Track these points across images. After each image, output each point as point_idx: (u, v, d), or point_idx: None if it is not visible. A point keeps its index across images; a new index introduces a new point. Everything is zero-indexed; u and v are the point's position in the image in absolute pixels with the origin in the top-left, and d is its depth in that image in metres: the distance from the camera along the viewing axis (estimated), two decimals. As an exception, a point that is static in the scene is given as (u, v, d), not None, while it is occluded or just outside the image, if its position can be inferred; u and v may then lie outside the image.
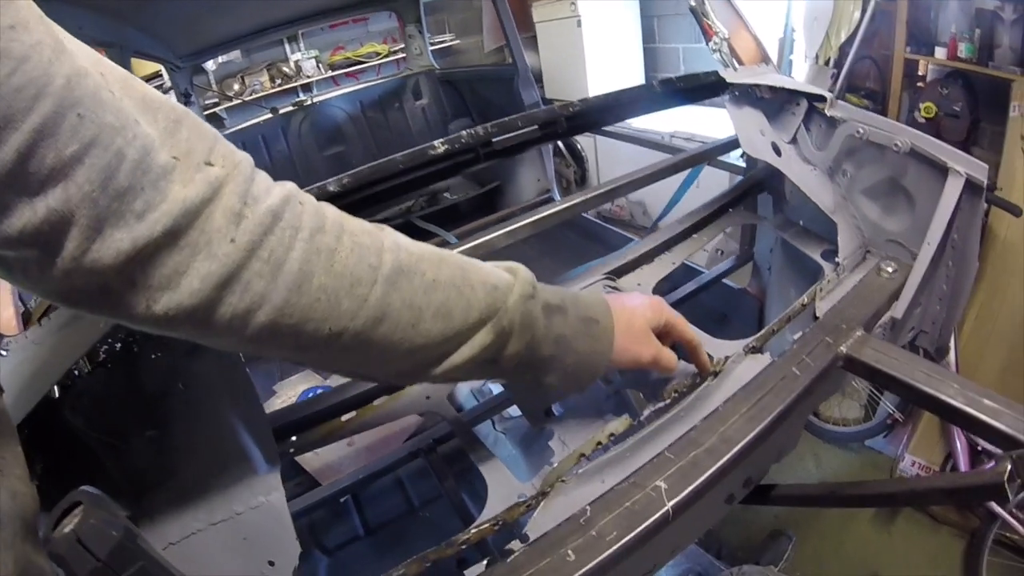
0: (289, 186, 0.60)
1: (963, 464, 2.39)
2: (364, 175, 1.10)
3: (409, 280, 0.64)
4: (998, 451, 0.90)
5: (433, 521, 2.03)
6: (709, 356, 1.06)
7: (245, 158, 0.58)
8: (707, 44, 1.55)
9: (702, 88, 1.47)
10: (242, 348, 0.61)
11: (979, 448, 2.39)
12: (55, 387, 0.83)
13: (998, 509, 2.16)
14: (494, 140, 1.20)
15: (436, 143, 1.15)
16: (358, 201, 1.10)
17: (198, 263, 0.52)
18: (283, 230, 0.56)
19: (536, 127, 1.26)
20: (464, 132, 1.18)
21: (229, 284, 0.53)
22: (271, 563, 0.88)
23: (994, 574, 2.14)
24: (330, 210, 0.63)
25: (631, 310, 0.88)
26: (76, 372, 0.86)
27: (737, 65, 1.54)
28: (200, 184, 0.52)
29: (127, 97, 0.51)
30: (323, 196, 1.05)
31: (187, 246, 0.51)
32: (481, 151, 1.19)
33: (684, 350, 0.99)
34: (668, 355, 0.91)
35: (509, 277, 0.74)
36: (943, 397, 0.96)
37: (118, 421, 0.89)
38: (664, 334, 0.93)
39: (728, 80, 1.47)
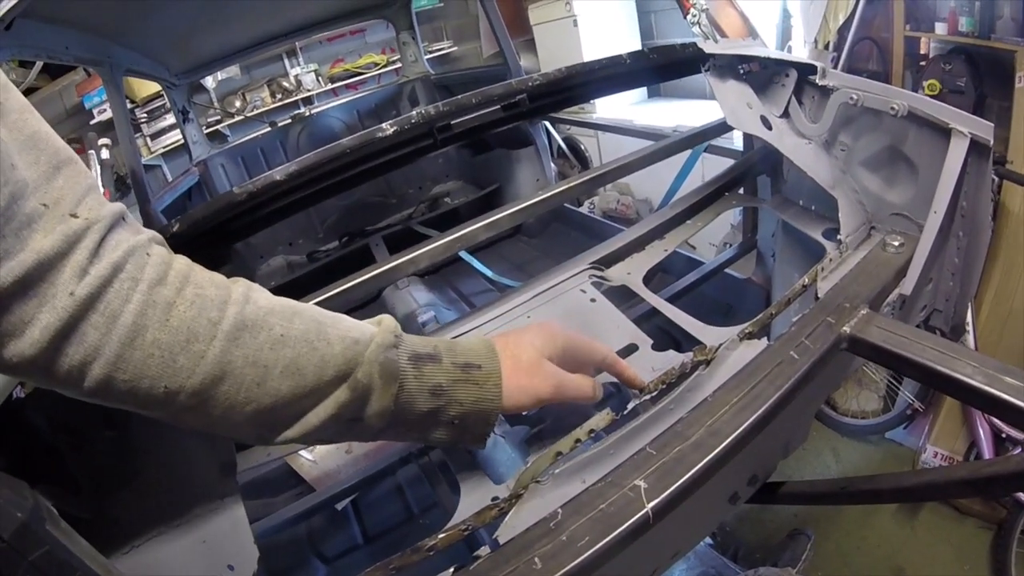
0: (143, 238, 0.60)
1: (987, 452, 2.31)
2: (310, 161, 1.04)
3: (254, 335, 0.62)
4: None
5: (432, 528, 1.97)
6: (701, 346, 0.99)
7: (110, 212, 0.58)
8: (685, 18, 1.47)
9: (680, 62, 1.40)
10: (90, 401, 0.59)
11: (1004, 435, 2.30)
12: (20, 387, 0.81)
13: (1026, 498, 2.07)
14: (453, 122, 1.13)
15: (384, 125, 1.09)
16: (315, 191, 1.04)
17: (42, 314, 0.52)
18: (122, 282, 0.56)
19: (496, 105, 1.19)
20: (414, 112, 1.12)
21: (67, 336, 0.54)
22: (231, 567, 0.82)
23: (1023, 565, 2.05)
24: (179, 262, 0.62)
25: (515, 344, 0.80)
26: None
27: (719, 38, 1.46)
28: (58, 236, 0.53)
29: (12, 135, 0.53)
30: (269, 185, 1.00)
31: (35, 296, 0.52)
32: (438, 135, 1.13)
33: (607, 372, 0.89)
34: (575, 383, 0.81)
35: (371, 330, 0.70)
36: (960, 376, 0.86)
37: (80, 421, 0.87)
38: (570, 359, 0.83)
39: (707, 51, 1.39)
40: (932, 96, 3.10)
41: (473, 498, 0.87)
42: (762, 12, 4.02)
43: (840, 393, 2.79)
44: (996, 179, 2.33)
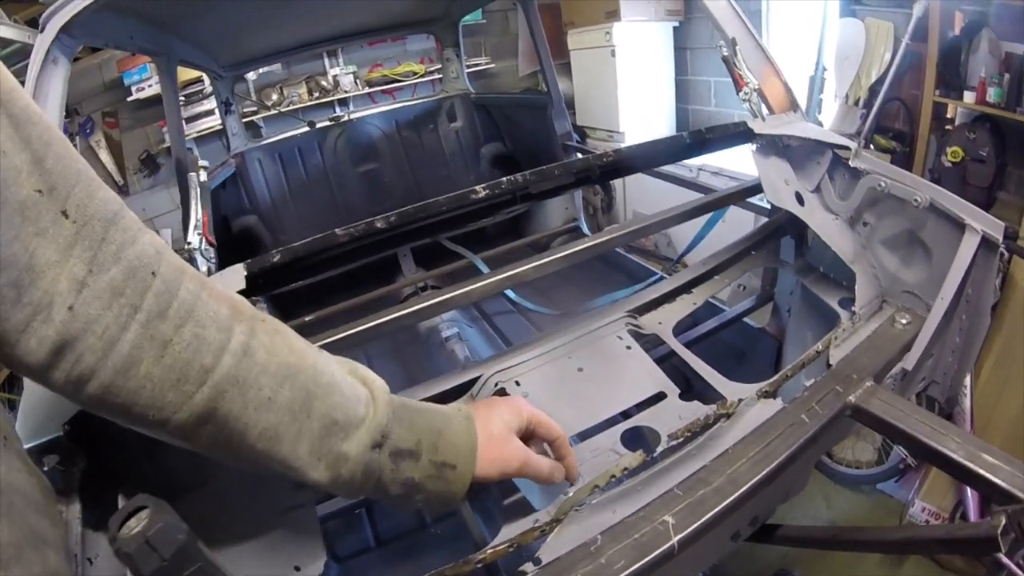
0: (147, 249, 0.60)
1: (973, 513, 2.38)
2: (409, 215, 1.16)
3: (241, 392, 0.63)
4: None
5: (443, 538, 2.07)
6: (723, 400, 1.11)
7: (100, 209, 0.57)
8: (738, 94, 1.59)
9: (731, 138, 1.53)
10: (82, 407, 0.61)
11: (992, 506, 2.37)
12: None
13: (1005, 559, 2.15)
14: (531, 187, 1.26)
15: (478, 188, 1.22)
16: (401, 235, 1.15)
17: (37, 325, 0.53)
18: (121, 307, 0.56)
19: (571, 177, 1.32)
20: (505, 179, 1.25)
21: (63, 351, 0.55)
22: (297, 568, 0.93)
23: (1000, 624, 2.13)
24: (185, 289, 0.61)
25: (488, 419, 0.84)
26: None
27: (766, 114, 1.58)
28: (50, 243, 0.53)
29: (3, 114, 0.52)
30: (371, 232, 1.11)
31: (30, 304, 0.52)
32: (518, 195, 1.25)
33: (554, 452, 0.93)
34: (537, 463, 0.86)
35: (361, 412, 0.72)
36: (944, 450, 0.99)
37: None
38: (529, 435, 0.89)
39: (756, 131, 1.52)
40: (954, 163, 3.20)
41: (515, 520, 0.98)
42: (797, 63, 4.10)
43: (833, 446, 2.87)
44: (1007, 253, 2.41)
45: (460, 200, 1.20)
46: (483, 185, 1.22)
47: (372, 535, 2.14)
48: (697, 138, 1.50)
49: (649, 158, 1.47)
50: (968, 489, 2.40)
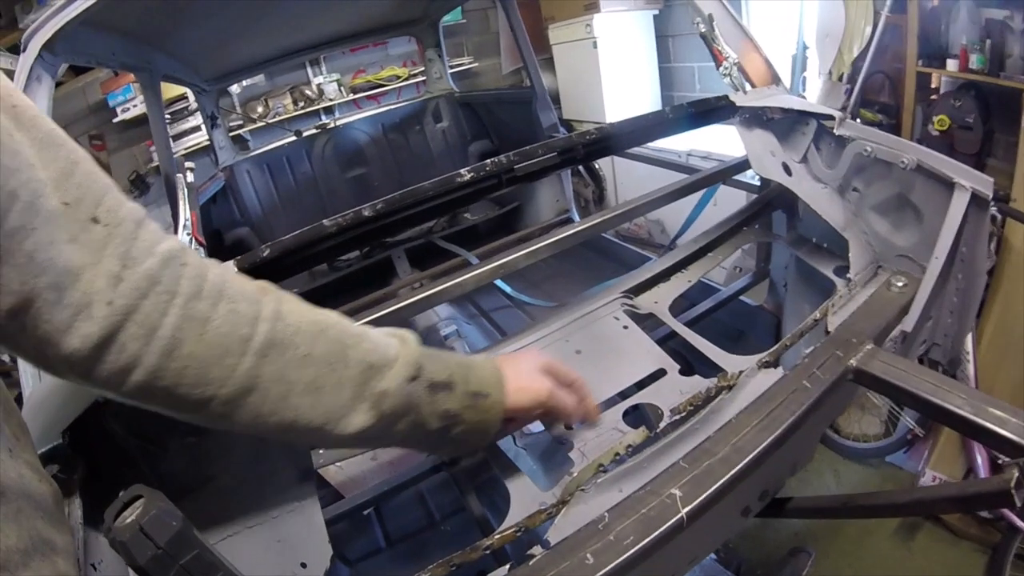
0: (174, 244, 0.63)
1: (983, 475, 2.38)
2: (397, 200, 1.16)
3: (281, 353, 0.66)
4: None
5: (453, 534, 2.06)
6: (724, 372, 1.11)
7: (130, 214, 0.61)
8: (718, 69, 1.59)
9: (713, 112, 1.52)
10: (124, 401, 0.63)
11: (1000, 461, 2.37)
12: (99, 396, 0.87)
13: (1020, 522, 2.15)
14: (516, 167, 1.26)
15: (463, 171, 1.22)
16: (393, 223, 1.15)
17: (79, 323, 0.56)
18: (159, 295, 0.59)
19: (555, 155, 1.31)
20: (488, 161, 1.24)
21: (107, 345, 0.57)
22: (303, 565, 0.92)
23: (1016, 588, 2.13)
24: (213, 272, 0.65)
25: (515, 359, 0.93)
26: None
27: (748, 87, 1.58)
28: (83, 247, 0.56)
29: (29, 136, 0.56)
30: (358, 220, 1.11)
31: (70, 305, 0.55)
32: (503, 177, 1.25)
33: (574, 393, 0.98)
34: (563, 393, 0.93)
35: (392, 353, 0.76)
36: (950, 407, 0.98)
37: (157, 428, 0.94)
38: (552, 376, 0.94)
39: (738, 103, 1.51)
40: (941, 131, 3.20)
41: (521, 503, 0.98)
42: (778, 42, 4.11)
43: (843, 417, 2.85)
44: (1000, 216, 2.41)
45: (446, 184, 1.20)
46: (468, 168, 1.21)
47: (382, 535, 2.13)
48: (679, 112, 1.49)
49: (633, 134, 1.47)
50: (977, 453, 2.40)
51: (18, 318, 0.55)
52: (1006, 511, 2.16)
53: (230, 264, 1.14)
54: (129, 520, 0.54)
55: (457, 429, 0.82)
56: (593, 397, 1.02)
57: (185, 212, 1.44)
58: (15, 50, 4.01)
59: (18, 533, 0.52)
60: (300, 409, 0.68)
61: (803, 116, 1.51)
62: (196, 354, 0.61)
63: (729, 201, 2.18)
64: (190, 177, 1.70)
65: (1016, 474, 0.86)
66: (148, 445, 0.94)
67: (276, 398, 0.66)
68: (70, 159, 0.58)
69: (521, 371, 0.90)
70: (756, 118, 1.53)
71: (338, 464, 2.20)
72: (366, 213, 1.12)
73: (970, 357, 2.41)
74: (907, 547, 2.40)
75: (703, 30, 1.59)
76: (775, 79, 1.64)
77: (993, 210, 1.25)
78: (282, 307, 0.69)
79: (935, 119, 3.23)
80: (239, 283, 0.67)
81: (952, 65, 3.18)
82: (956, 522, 2.39)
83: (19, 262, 0.53)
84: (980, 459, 2.40)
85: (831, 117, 1.45)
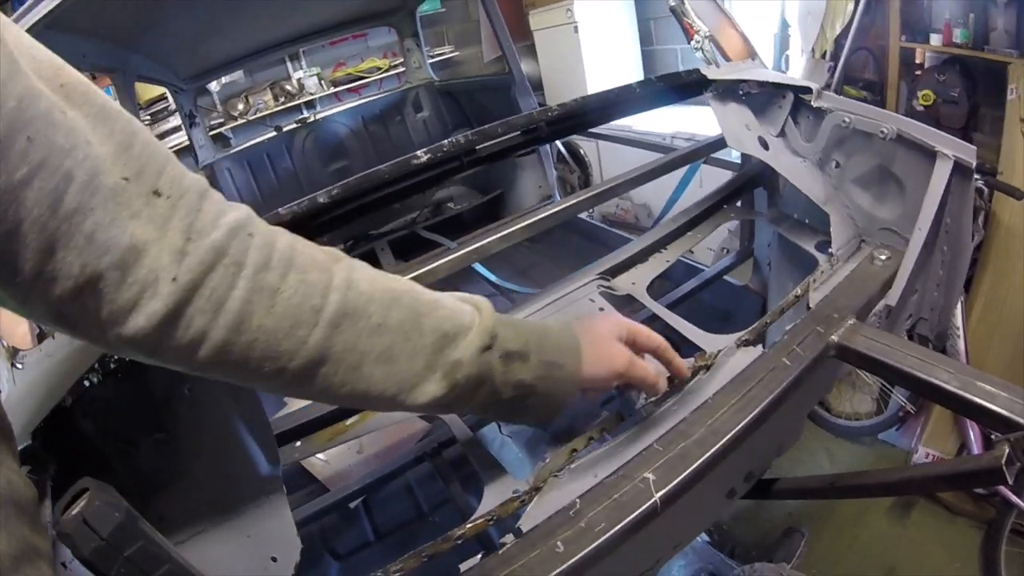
0: (241, 214, 0.61)
1: (976, 451, 2.37)
2: (352, 186, 1.12)
3: (353, 323, 0.64)
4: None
5: (442, 525, 2.03)
6: (701, 352, 1.07)
7: (193, 184, 0.59)
8: (689, 43, 1.55)
9: (684, 87, 1.48)
10: (193, 373, 0.62)
11: (993, 436, 2.35)
12: (68, 395, 0.86)
13: (1014, 498, 2.14)
14: (477, 148, 1.22)
15: (419, 152, 1.18)
16: (349, 212, 1.12)
17: (145, 301, 0.54)
18: (226, 267, 0.57)
19: (518, 133, 1.27)
20: (446, 141, 1.20)
21: (173, 321, 0.55)
22: (273, 559, 0.90)
23: (1012, 565, 2.11)
24: (282, 241, 0.63)
25: (592, 325, 0.87)
26: (87, 381, 0.89)
27: (723, 61, 1.54)
28: (147, 223, 0.54)
29: (82, 112, 0.53)
30: (313, 209, 1.08)
31: (135, 283, 0.53)
32: (464, 159, 1.21)
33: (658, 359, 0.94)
34: (643, 365, 0.88)
35: (467, 320, 0.73)
36: (936, 381, 0.96)
37: (127, 426, 0.93)
38: (630, 344, 0.89)
39: (710, 76, 1.48)
40: (926, 106, 3.17)
41: (495, 492, 0.95)
42: (760, 21, 4.08)
43: (834, 395, 2.85)
44: (987, 189, 2.39)
45: (402, 166, 1.16)
46: (425, 149, 1.18)
47: (371, 528, 2.12)
48: (649, 87, 1.45)
49: (600, 111, 1.42)
50: (970, 430, 2.39)
51: (80, 300, 0.53)
52: (1000, 488, 2.15)
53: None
54: (74, 512, 0.53)
55: (531, 399, 0.78)
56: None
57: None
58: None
59: (8, 540, 0.50)
60: (373, 379, 0.66)
61: (780, 89, 1.48)
62: (265, 327, 0.59)
63: (715, 181, 2.16)
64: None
65: (1007, 450, 0.83)
66: (119, 443, 0.93)
67: (348, 368, 0.65)
68: (127, 131, 0.55)
69: (597, 338, 0.85)
70: (731, 92, 1.49)
71: (323, 458, 2.18)
72: (321, 200, 1.08)
73: (960, 332, 2.39)
74: (903, 525, 2.40)
75: (672, 3, 1.55)
76: (751, 54, 1.61)
77: (980, 183, 1.22)
78: (354, 275, 0.66)
79: (920, 94, 3.21)
80: (309, 251, 0.65)
81: (936, 40, 3.15)
82: (951, 499, 2.39)
83: (78, 244, 0.51)
84: (973, 435, 2.39)
85: (808, 90, 1.42)
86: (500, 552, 0.81)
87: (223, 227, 0.58)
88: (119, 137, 0.54)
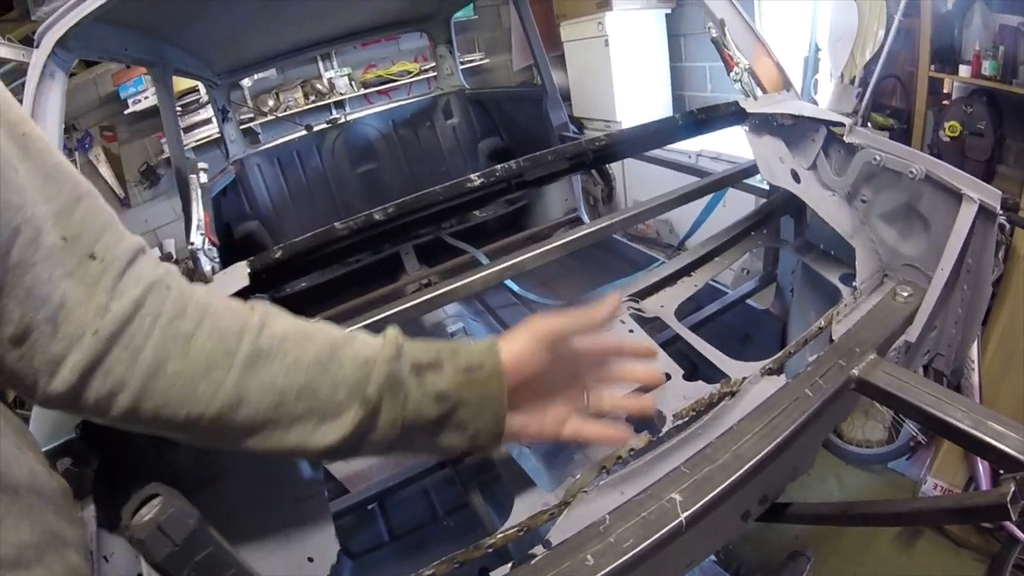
0: (160, 273, 0.64)
1: (984, 486, 2.38)
2: (408, 204, 1.17)
3: (268, 362, 0.65)
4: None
5: (456, 530, 2.08)
6: (727, 379, 1.12)
7: (126, 251, 0.62)
8: (729, 75, 1.59)
9: (723, 119, 1.52)
10: (115, 426, 0.63)
11: (1001, 472, 2.36)
12: None
13: (1018, 533, 2.15)
14: (525, 173, 1.27)
15: (473, 176, 1.23)
16: (401, 227, 1.16)
17: (71, 354, 0.57)
18: (142, 318, 0.60)
19: (565, 160, 1.32)
20: (499, 167, 1.25)
21: (93, 371, 0.58)
22: (310, 559, 0.94)
23: (1015, 599, 2.13)
24: (198, 294, 0.65)
25: (511, 333, 0.80)
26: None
27: (759, 92, 1.58)
28: (78, 281, 0.58)
29: (35, 166, 0.57)
30: (370, 224, 1.12)
31: (64, 338, 0.57)
32: (513, 182, 1.26)
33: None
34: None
35: (379, 341, 0.72)
36: (950, 420, 1.00)
37: None
38: (563, 351, 0.81)
39: (748, 110, 1.52)
40: (952, 137, 3.19)
41: (525, 504, 0.99)
42: (790, 44, 4.09)
43: (847, 422, 2.85)
44: (1008, 224, 2.39)
45: (456, 188, 1.21)
46: (478, 174, 1.23)
47: (386, 529, 2.15)
48: (690, 119, 1.50)
49: (642, 140, 1.47)
50: (979, 463, 2.40)
51: (20, 348, 0.56)
52: (1006, 522, 2.16)
53: (220, 275, 1.16)
54: (147, 518, 0.55)
55: (460, 411, 0.73)
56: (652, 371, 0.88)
57: (199, 213, 1.45)
58: (27, 42, 4.02)
59: (31, 528, 0.53)
60: (295, 414, 0.66)
61: (813, 123, 1.51)
62: (181, 371, 0.61)
63: (738, 203, 2.18)
64: (203, 178, 1.72)
65: (1012, 488, 0.87)
66: (159, 440, 0.95)
67: (269, 408, 0.65)
68: (73, 194, 0.59)
69: (514, 345, 0.78)
70: (766, 124, 1.53)
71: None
72: (377, 217, 1.13)
73: (974, 367, 2.40)
74: (908, 554, 2.41)
75: (715, 35, 1.60)
76: (786, 84, 1.64)
77: (1002, 219, 1.25)
78: (268, 319, 0.68)
79: (947, 125, 3.22)
80: (224, 302, 0.67)
81: (964, 71, 3.16)
82: (957, 531, 2.39)
83: (20, 296, 0.55)
84: (981, 469, 2.40)
85: (841, 124, 1.46)
86: (531, 563, 0.85)
87: (142, 284, 0.61)
88: (64, 199, 0.58)
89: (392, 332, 0.74)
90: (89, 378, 0.58)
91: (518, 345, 0.78)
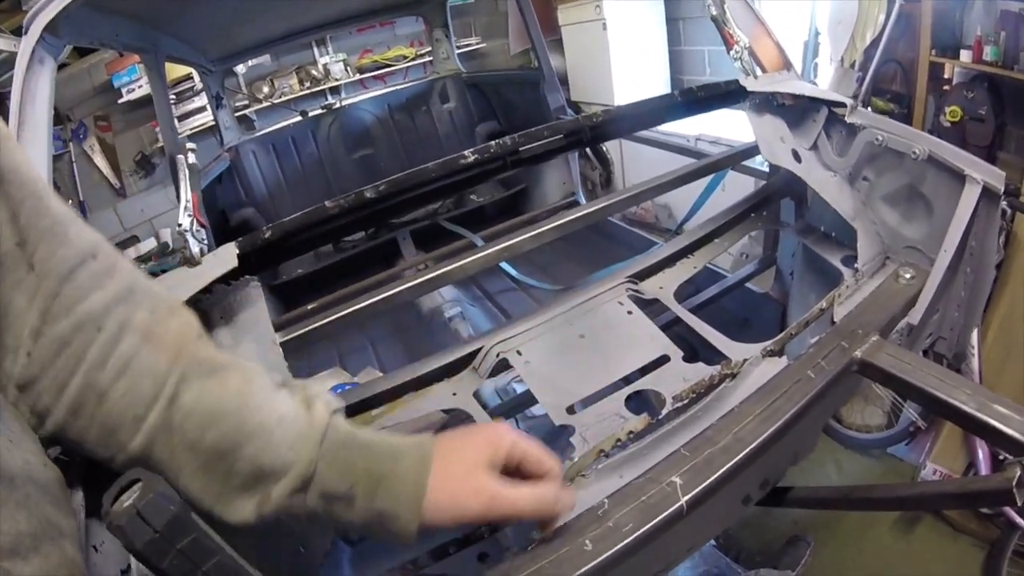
0: (94, 306, 0.63)
1: (984, 472, 2.37)
2: (400, 182, 1.15)
3: (168, 438, 0.64)
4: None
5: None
6: (727, 360, 1.10)
7: (58, 264, 0.61)
8: (728, 53, 1.57)
9: (723, 96, 1.50)
10: (47, 437, 0.64)
11: (1001, 457, 2.36)
12: None
13: (1018, 519, 2.15)
14: (520, 149, 1.25)
15: (466, 153, 1.20)
16: (395, 205, 1.14)
17: (8, 364, 0.59)
18: (67, 357, 0.61)
19: (561, 137, 1.30)
20: (493, 143, 1.23)
21: (27, 390, 0.60)
22: (301, 548, 0.93)
23: (1013, 585, 2.13)
24: (126, 342, 0.64)
25: (449, 451, 0.73)
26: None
27: (759, 72, 1.56)
28: (23, 293, 0.59)
29: None
30: (361, 203, 1.10)
31: (3, 346, 0.58)
32: (508, 159, 1.24)
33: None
34: (511, 500, 0.72)
35: (290, 458, 0.67)
36: (954, 402, 0.98)
37: None
38: (514, 469, 0.76)
39: (748, 88, 1.49)
40: (953, 123, 3.17)
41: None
42: (790, 28, 4.06)
43: (846, 407, 2.84)
44: (1009, 210, 2.38)
45: (449, 165, 1.19)
46: (472, 149, 1.20)
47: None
48: (689, 96, 1.47)
49: (641, 118, 1.45)
50: (979, 449, 2.39)
51: None
52: (1006, 508, 2.16)
53: (209, 256, 1.12)
54: (127, 504, 0.54)
55: (368, 532, 0.72)
56: (565, 492, 0.79)
57: (186, 193, 1.43)
58: (19, 32, 3.99)
59: (28, 518, 0.53)
60: (191, 488, 0.65)
61: (814, 103, 1.49)
62: (96, 419, 0.62)
63: (737, 186, 2.16)
64: (191, 158, 1.70)
65: (1018, 472, 0.85)
66: None
67: (171, 474, 0.65)
68: (17, 197, 0.59)
69: (451, 477, 0.72)
70: (766, 103, 1.51)
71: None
72: (368, 195, 1.11)
73: (975, 352, 2.39)
74: (906, 539, 2.40)
75: (714, 12, 1.57)
76: (787, 64, 1.62)
77: (1003, 204, 1.23)
78: (182, 387, 0.65)
79: (947, 110, 3.20)
80: (151, 357, 0.65)
81: (966, 56, 3.15)
82: (955, 517, 2.38)
83: None
84: (981, 454, 2.39)
85: (843, 104, 1.44)
86: (528, 549, 0.83)
87: (73, 317, 0.61)
88: (11, 203, 0.59)
89: (305, 457, 0.68)
90: (25, 393, 0.60)
91: (455, 486, 0.72)
